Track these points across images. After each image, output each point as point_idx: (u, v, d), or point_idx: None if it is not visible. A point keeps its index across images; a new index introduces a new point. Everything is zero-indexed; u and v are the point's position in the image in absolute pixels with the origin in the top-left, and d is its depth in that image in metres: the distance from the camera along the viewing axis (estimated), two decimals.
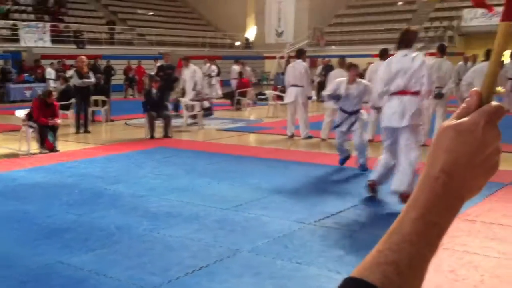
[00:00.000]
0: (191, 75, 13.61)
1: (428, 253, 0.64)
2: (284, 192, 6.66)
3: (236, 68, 22.54)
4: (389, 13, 37.02)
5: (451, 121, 0.67)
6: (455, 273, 4.14)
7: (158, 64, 15.65)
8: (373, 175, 6.22)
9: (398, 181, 5.69)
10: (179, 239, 4.92)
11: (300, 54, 11.34)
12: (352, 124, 7.55)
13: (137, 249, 4.69)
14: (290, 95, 11.03)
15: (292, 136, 11.14)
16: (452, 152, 0.65)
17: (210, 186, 7.02)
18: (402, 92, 5.74)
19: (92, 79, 12.32)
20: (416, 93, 5.71)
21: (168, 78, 13.75)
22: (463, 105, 0.69)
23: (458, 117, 0.67)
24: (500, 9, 0.71)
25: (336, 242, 4.87)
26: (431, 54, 10.52)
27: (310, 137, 10.97)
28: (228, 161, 8.69)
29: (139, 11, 36.36)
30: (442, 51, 10.11)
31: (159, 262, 4.38)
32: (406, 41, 5.89)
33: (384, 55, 10.44)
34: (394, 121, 5.73)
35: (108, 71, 14.13)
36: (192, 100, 13.46)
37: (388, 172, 6.01)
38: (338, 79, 7.84)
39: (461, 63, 16.28)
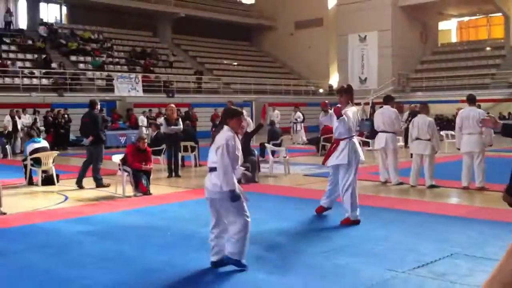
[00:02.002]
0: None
1: None
2: (375, 238, 6.50)
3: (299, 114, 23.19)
4: (477, 59, 36.06)
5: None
6: None
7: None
8: None
9: None
10: (268, 282, 4.91)
11: (387, 100, 11.27)
12: None
13: None
14: (380, 141, 10.92)
15: (385, 182, 10.97)
16: None
17: (297, 231, 6.99)
18: None
19: (180, 126, 12.76)
20: None
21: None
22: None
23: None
24: None
25: None
26: None
27: (401, 183, 10.75)
28: (314, 207, 8.60)
29: (225, 61, 37.64)
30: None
31: None
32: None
33: (472, 100, 10.17)
34: None
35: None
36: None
37: None
38: None
39: None
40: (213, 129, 22.13)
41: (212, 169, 5.36)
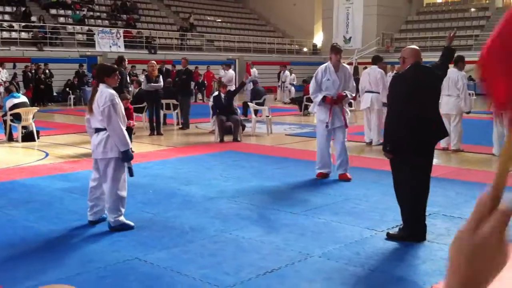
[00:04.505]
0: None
1: None
2: (355, 198, 6.60)
3: (287, 74, 23.17)
4: (462, 20, 35.98)
5: (468, 230, 0.75)
6: None
7: (176, 69, 15.56)
8: None
9: None
10: (250, 241, 4.98)
11: (376, 60, 11.26)
12: None
13: (210, 249, 4.78)
14: (366, 101, 10.95)
15: (370, 143, 11.05)
16: (468, 269, 0.74)
17: (279, 190, 7.06)
18: None
19: (160, 84, 12.59)
20: None
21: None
22: (478, 207, 0.76)
23: (474, 223, 0.75)
24: None
25: (409, 250, 4.78)
26: None
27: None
28: (296, 166, 8.71)
29: (209, 18, 37.05)
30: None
31: (232, 262, 4.45)
32: None
33: (457, 62, 10.17)
34: None
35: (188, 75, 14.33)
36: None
37: None
38: None
39: None
40: (196, 87, 22.03)
41: (97, 130, 5.26)
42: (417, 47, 5.02)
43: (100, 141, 5.23)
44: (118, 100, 5.27)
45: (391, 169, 5.10)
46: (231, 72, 17.68)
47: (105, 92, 5.20)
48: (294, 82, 23.76)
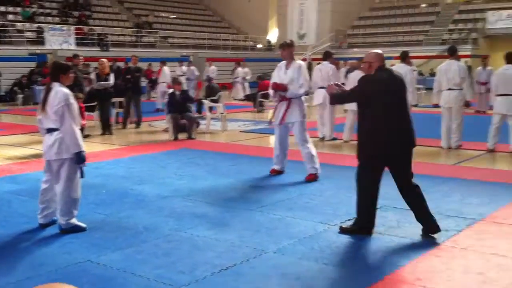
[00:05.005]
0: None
1: None
2: (308, 193, 6.66)
3: (240, 70, 23.08)
4: (412, 15, 36.75)
5: None
6: (484, 276, 4.11)
7: (125, 66, 15.17)
8: None
9: None
10: (205, 239, 4.96)
11: (327, 56, 11.35)
12: None
13: (164, 248, 4.74)
14: (318, 97, 11.04)
15: (323, 138, 11.14)
16: None
17: (234, 187, 7.06)
18: None
19: (110, 82, 12.36)
20: None
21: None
22: None
23: None
24: None
25: (361, 243, 4.86)
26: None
27: (334, 138, 10.98)
28: (251, 163, 8.72)
29: (162, 14, 36.65)
30: (451, 53, 10.05)
31: (186, 261, 4.42)
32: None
33: (405, 57, 10.39)
34: None
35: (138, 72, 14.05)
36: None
37: None
38: None
39: (479, 68, 16.40)
40: (149, 85, 21.74)
41: (50, 130, 5.13)
42: (381, 52, 5.07)
43: (54, 142, 5.09)
44: (73, 100, 5.14)
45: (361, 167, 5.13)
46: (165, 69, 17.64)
47: (59, 92, 5.06)
48: (248, 77, 23.69)
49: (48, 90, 5.15)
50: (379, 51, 5.10)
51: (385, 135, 4.87)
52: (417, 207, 5.03)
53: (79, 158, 5.10)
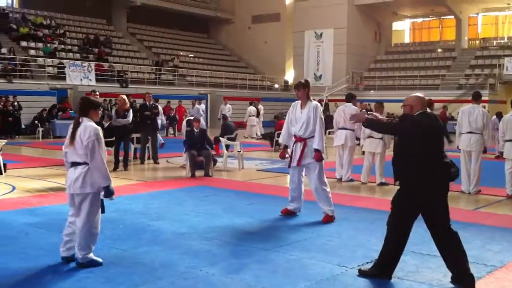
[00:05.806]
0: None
1: None
2: (325, 234, 6.61)
3: (250, 109, 23.38)
4: (429, 60, 37.01)
5: None
6: None
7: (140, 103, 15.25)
8: None
9: None
10: (220, 278, 4.92)
11: (351, 97, 11.42)
12: None
13: (179, 285, 4.71)
14: (340, 138, 11.06)
15: (340, 179, 11.10)
16: None
17: (250, 226, 7.03)
18: None
19: (128, 118, 12.50)
20: None
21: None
22: None
23: None
24: None
25: (379, 287, 4.79)
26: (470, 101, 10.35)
27: (351, 180, 10.95)
28: (267, 202, 8.70)
29: (181, 53, 37.29)
30: (476, 98, 10.00)
31: None
32: None
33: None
34: None
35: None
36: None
37: None
38: None
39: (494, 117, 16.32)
40: (167, 122, 22.00)
41: (75, 164, 5.20)
42: (423, 96, 5.06)
43: (78, 176, 5.15)
44: (101, 134, 5.23)
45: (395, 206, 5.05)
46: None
47: (89, 126, 5.15)
48: (261, 118, 23.99)
49: (77, 125, 5.23)
50: (420, 94, 5.10)
51: (431, 184, 4.80)
52: (454, 253, 4.90)
53: (108, 191, 5.15)
